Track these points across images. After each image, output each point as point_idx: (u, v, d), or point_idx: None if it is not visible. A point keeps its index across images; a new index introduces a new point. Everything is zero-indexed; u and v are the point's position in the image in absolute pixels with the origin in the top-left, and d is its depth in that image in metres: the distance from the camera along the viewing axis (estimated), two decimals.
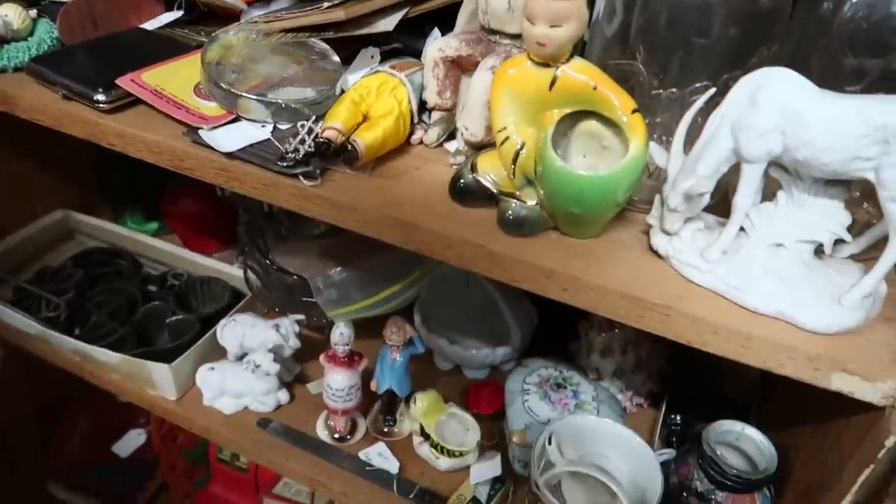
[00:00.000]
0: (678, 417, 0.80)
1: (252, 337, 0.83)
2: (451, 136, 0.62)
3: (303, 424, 0.82)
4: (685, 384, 0.84)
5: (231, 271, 0.96)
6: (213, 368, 0.83)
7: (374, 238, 0.80)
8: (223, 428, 0.82)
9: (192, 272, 0.97)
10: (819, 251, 0.49)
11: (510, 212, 0.52)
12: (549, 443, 0.70)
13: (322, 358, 0.78)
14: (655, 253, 0.51)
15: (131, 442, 1.09)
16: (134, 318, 0.89)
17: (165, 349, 0.84)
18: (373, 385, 0.80)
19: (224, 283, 0.94)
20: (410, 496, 0.75)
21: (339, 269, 0.75)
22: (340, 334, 0.74)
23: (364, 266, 0.76)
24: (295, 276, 0.84)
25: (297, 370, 0.88)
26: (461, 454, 0.77)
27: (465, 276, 0.86)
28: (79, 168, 1.06)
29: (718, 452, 0.60)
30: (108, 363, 0.84)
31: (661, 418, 0.80)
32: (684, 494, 0.63)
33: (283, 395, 0.84)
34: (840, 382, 0.44)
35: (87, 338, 0.86)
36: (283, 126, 0.61)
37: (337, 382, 0.76)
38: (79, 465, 1.09)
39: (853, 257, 0.49)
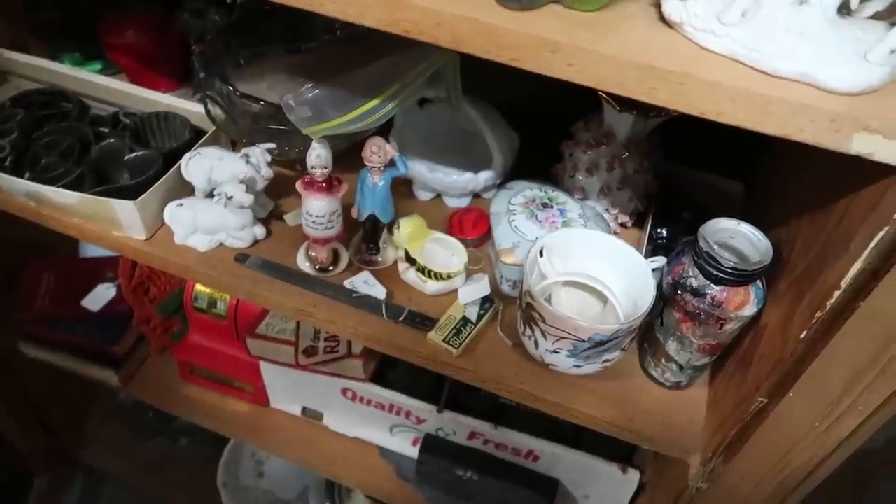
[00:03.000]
0: (664, 231, 0.80)
1: (221, 169, 0.78)
2: None
3: (282, 258, 0.79)
4: (670, 200, 0.83)
5: (189, 107, 0.89)
6: (181, 205, 0.78)
7: (345, 53, 0.74)
8: (200, 265, 0.78)
9: (145, 111, 0.89)
10: (842, 11, 0.45)
11: None
12: (541, 255, 0.69)
13: (299, 185, 0.73)
14: (666, 24, 0.47)
15: (101, 296, 1.05)
16: (89, 158, 0.83)
17: (128, 186, 0.79)
18: (353, 212, 0.76)
19: (183, 119, 0.87)
20: (400, 319, 0.74)
21: (310, 85, 0.69)
22: (318, 156, 0.70)
23: (337, 82, 0.70)
24: (262, 102, 0.78)
25: (270, 206, 0.84)
26: (449, 277, 0.76)
27: (445, 99, 0.80)
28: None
29: (715, 248, 0.60)
30: (67, 205, 0.79)
31: (646, 233, 0.80)
32: (679, 293, 0.63)
33: (259, 230, 0.80)
34: (860, 143, 0.42)
35: (40, 180, 0.79)
36: None
37: (317, 209, 0.73)
38: (48, 321, 1.06)
39: (877, 17, 0.46)
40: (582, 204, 0.81)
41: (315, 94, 0.69)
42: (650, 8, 0.49)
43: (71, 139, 0.85)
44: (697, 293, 0.61)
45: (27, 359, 1.12)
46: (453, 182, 0.84)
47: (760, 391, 0.57)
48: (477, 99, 0.82)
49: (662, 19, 0.47)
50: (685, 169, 0.90)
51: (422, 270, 0.76)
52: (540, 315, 0.65)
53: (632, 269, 0.69)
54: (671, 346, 0.67)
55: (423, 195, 0.88)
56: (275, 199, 0.85)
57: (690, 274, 0.62)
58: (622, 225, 0.85)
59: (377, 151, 0.71)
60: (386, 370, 0.96)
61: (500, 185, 0.85)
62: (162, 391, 1.11)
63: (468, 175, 0.84)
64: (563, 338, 0.65)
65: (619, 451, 0.93)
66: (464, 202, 0.88)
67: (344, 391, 0.96)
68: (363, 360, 0.90)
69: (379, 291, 0.76)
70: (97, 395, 1.36)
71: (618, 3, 0.49)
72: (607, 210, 0.83)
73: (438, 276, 0.76)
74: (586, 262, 0.72)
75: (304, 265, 0.79)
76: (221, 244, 0.80)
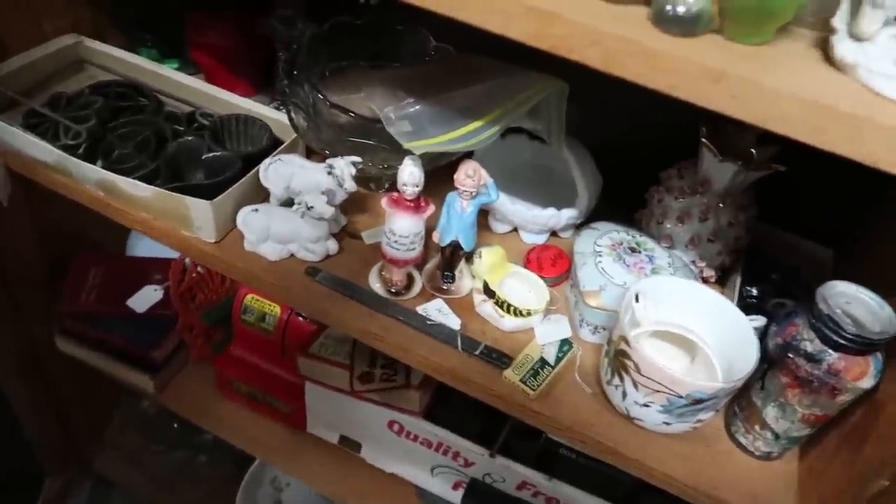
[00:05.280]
0: (754, 290, 0.76)
1: (301, 178, 0.76)
2: None
3: (353, 277, 0.76)
4: (758, 258, 0.80)
5: (268, 113, 0.87)
6: (256, 210, 0.75)
7: (442, 72, 0.71)
8: (268, 275, 0.75)
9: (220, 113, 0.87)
10: None
11: (671, 4, 0.44)
12: (637, 300, 0.65)
13: (385, 201, 0.70)
14: (833, 66, 0.44)
15: (147, 297, 1.02)
16: (165, 153, 0.80)
17: (203, 185, 0.76)
18: (435, 236, 0.73)
19: (262, 124, 0.85)
20: (475, 353, 0.70)
21: (411, 100, 0.67)
22: (410, 173, 0.67)
23: (438, 100, 0.67)
24: (351, 114, 0.75)
25: (343, 221, 0.81)
26: (528, 314, 0.72)
27: (542, 132, 0.77)
28: None
29: (838, 312, 0.56)
30: (139, 198, 0.76)
31: (735, 290, 0.76)
32: (790, 356, 0.59)
33: (333, 245, 0.77)
34: None
35: (114, 171, 0.77)
36: None
37: (402, 228, 0.70)
38: (90, 318, 1.02)
39: None
40: (670, 252, 0.77)
41: (416, 109, 0.67)
42: (813, 48, 0.46)
43: (147, 133, 0.83)
44: (812, 358, 0.57)
45: (59, 353, 1.08)
46: (534, 217, 0.81)
47: (882, 473, 0.52)
48: (567, 135, 0.80)
49: (827, 60, 0.45)
50: (771, 228, 0.87)
51: (500, 304, 0.72)
52: (635, 364, 0.61)
53: (730, 326, 0.65)
54: (769, 413, 0.63)
55: (499, 227, 0.85)
56: (347, 214, 0.82)
57: (805, 337, 0.58)
58: (705, 279, 0.81)
59: (472, 175, 0.68)
60: (435, 406, 0.92)
61: (582, 226, 0.82)
62: (196, 403, 1.07)
63: (551, 211, 0.81)
64: (658, 391, 0.60)
65: None
66: (540, 238, 0.84)
67: (391, 423, 0.92)
68: (420, 393, 0.86)
69: (453, 321, 0.73)
70: (121, 401, 1.31)
71: (779, 40, 0.46)
72: (693, 262, 0.79)
73: (518, 312, 0.72)
74: (678, 314, 0.68)
75: (375, 285, 0.75)
76: (292, 255, 0.77)
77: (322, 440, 1.03)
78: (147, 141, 0.82)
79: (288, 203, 0.78)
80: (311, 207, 0.73)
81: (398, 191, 0.69)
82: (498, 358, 0.69)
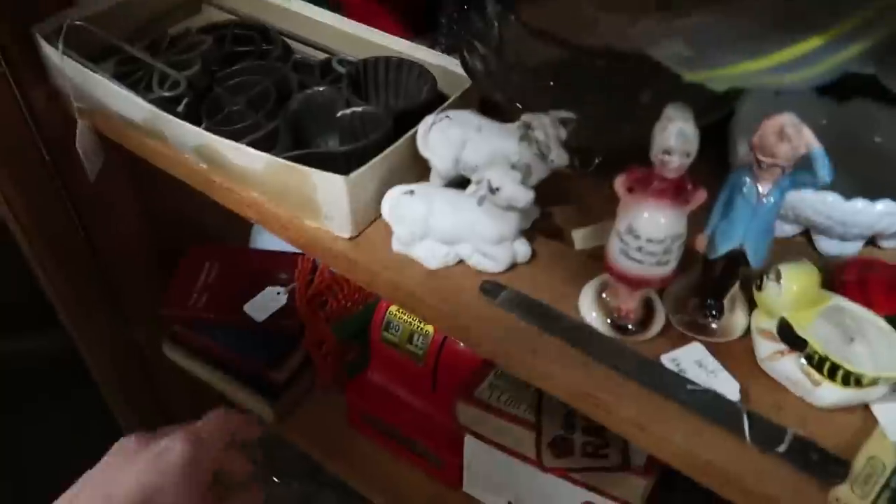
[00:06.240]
0: None
1: (479, 145, 0.50)
2: None
3: (553, 300, 0.48)
4: None
5: (429, 58, 0.61)
6: (412, 192, 0.50)
7: None
8: (425, 290, 0.49)
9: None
10: None
11: None
12: None
13: (621, 183, 0.42)
14: None
15: (268, 303, 0.80)
16: (286, 110, 0.57)
17: (337, 154, 0.52)
18: (699, 242, 0.44)
19: (422, 70, 0.59)
20: (778, 449, 0.40)
21: (684, 10, 0.38)
22: (680, 133, 0.38)
23: (738, 7, 0.38)
24: (559, 42, 0.48)
25: (535, 214, 0.54)
26: (871, 382, 0.41)
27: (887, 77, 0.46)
28: None
29: None
30: (248, 171, 0.53)
31: None
32: None
33: (522, 248, 0.50)
34: None
35: (217, 133, 0.54)
36: None
37: (653, 227, 0.41)
38: (201, 323, 0.83)
39: None
40: None
41: (699, 21, 0.38)
42: None
43: (267, 84, 0.60)
44: None
45: (169, 366, 0.90)
46: (854, 214, 0.49)
47: None
48: None
49: None
50: None
51: (817, 363, 0.42)
52: None
53: None
54: None
55: (781, 229, 0.54)
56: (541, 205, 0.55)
57: None
58: None
59: (791, 137, 0.38)
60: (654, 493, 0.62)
61: None
62: (323, 436, 0.84)
63: (882, 206, 0.49)
64: None
65: None
66: (851, 249, 0.53)
67: None
68: (646, 481, 0.57)
69: (726, 385, 0.43)
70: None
71: None
72: None
73: (852, 380, 0.41)
74: None
75: (591, 316, 0.47)
76: (461, 262, 0.51)
77: None
78: (265, 94, 0.59)
79: (458, 184, 0.52)
80: (496, 190, 0.46)
81: (645, 166, 0.41)
82: (821, 461, 0.39)
